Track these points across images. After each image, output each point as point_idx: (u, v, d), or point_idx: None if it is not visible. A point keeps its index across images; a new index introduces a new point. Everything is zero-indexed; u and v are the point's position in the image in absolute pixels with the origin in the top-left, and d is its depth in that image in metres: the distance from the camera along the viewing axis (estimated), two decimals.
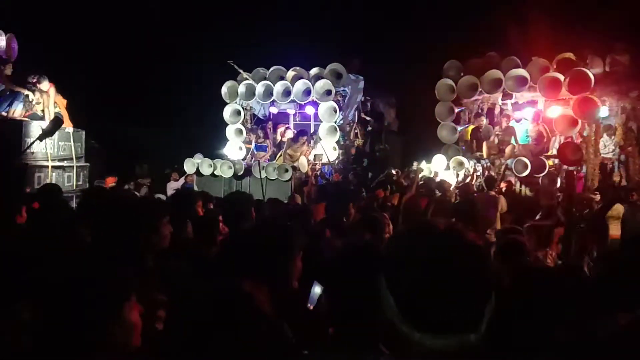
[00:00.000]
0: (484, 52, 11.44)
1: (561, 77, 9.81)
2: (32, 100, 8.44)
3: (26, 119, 8.18)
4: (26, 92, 8.35)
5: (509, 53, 10.76)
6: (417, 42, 13.84)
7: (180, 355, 1.50)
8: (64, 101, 8.99)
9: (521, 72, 10.38)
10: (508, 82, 10.52)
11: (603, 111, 10.31)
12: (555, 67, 10.15)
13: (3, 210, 3.16)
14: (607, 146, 10.78)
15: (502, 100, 11.49)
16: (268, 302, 1.72)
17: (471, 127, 11.87)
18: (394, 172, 10.93)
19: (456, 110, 11.59)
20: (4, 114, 8.16)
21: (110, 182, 9.37)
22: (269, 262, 1.92)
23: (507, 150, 10.63)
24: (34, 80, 8.40)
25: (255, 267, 1.89)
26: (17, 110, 8.27)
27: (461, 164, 10.71)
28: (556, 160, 10.08)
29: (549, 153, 10.47)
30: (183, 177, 11.36)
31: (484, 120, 11.52)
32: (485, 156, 10.86)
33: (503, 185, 9.22)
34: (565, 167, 9.82)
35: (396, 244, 1.11)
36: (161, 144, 14.70)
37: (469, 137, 11.85)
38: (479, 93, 11.18)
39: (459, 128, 11.67)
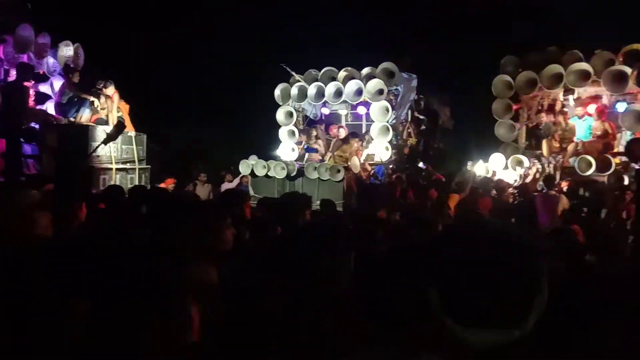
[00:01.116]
0: (543, 46, 11.00)
1: (628, 70, 9.29)
2: (97, 106, 8.91)
3: (92, 124, 8.64)
4: (92, 98, 8.82)
5: (570, 47, 10.29)
6: (472, 38, 13.50)
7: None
8: (127, 106, 9.43)
9: (584, 66, 9.91)
10: (569, 77, 10.06)
11: None
12: (621, 59, 9.61)
13: (69, 209, 3.34)
14: None
15: (563, 96, 11.00)
16: (318, 302, 1.74)
17: (531, 124, 11.43)
18: (422, 165, 10.70)
19: (514, 107, 11.20)
20: (72, 119, 8.66)
21: (170, 183, 9.72)
22: (318, 262, 1.92)
23: (570, 148, 10.15)
24: (101, 86, 8.86)
25: (304, 267, 1.89)
26: (84, 116, 8.75)
27: (520, 162, 10.33)
28: (623, 158, 9.52)
29: (615, 150, 9.91)
30: (238, 178, 11.61)
31: (544, 117, 11.05)
32: (545, 154, 10.42)
33: (564, 184, 8.82)
34: (633, 165, 9.25)
35: (444, 239, 1.11)
36: (217, 146, 15.12)
37: (529, 135, 11.41)
38: (538, 89, 10.76)
39: (518, 125, 11.27)
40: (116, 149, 8.52)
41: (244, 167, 11.20)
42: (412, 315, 1.40)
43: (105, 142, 7.79)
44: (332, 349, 1.56)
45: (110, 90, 8.92)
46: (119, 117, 8.87)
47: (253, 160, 11.25)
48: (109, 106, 8.91)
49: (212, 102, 15.60)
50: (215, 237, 2.38)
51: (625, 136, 10.06)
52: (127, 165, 8.80)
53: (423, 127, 12.73)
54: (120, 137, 8.23)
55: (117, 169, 8.47)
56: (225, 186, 11.53)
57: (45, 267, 1.56)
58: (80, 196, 3.64)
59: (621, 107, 10.10)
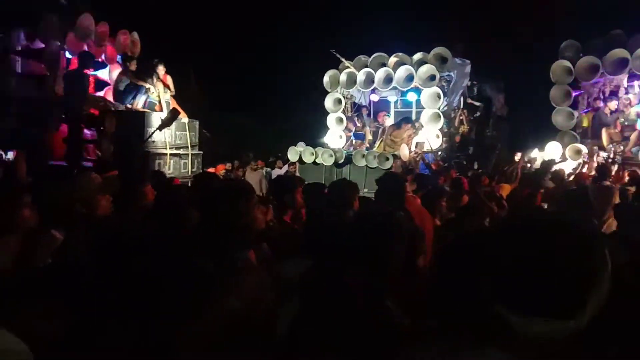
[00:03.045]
0: (606, 30, 10.42)
1: None
2: (153, 92, 9.18)
3: (148, 110, 8.93)
4: (148, 85, 9.10)
5: (636, 30, 9.70)
6: (529, 22, 12.95)
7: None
8: (168, 93, 9.61)
9: None
10: (636, 62, 9.51)
11: None
12: None
13: (133, 193, 3.47)
14: None
15: (628, 82, 10.40)
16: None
17: (591, 112, 10.89)
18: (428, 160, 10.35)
19: (573, 93, 10.70)
20: (128, 106, 8.97)
21: (221, 169, 9.93)
22: (379, 249, 1.92)
23: (633, 137, 9.62)
24: (155, 63, 9.12)
25: (367, 254, 1.89)
26: (140, 102, 9.05)
27: (579, 152, 9.88)
28: None
29: None
30: (286, 165, 11.72)
31: (609, 105, 10.48)
32: (605, 144, 9.91)
33: (626, 176, 8.35)
34: None
35: (501, 230, 1.13)
36: (266, 133, 15.30)
37: (588, 123, 10.89)
38: (600, 75, 10.22)
39: (577, 113, 10.76)
40: (170, 135, 8.76)
41: (292, 154, 11.28)
42: (473, 308, 1.37)
43: (160, 127, 8.02)
44: (394, 342, 1.56)
45: (161, 70, 9.14)
46: (167, 100, 9.10)
47: (301, 147, 11.31)
48: (160, 90, 9.16)
49: (264, 89, 15.77)
50: (246, 219, 2.39)
51: None
52: (181, 151, 9.04)
53: (476, 114, 12.37)
54: (174, 124, 8.46)
55: (171, 154, 8.72)
56: (276, 172, 11.67)
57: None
58: (142, 180, 3.77)
59: None
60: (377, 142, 11.39)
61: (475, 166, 11.01)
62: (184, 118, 9.06)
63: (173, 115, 8.08)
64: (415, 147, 10.71)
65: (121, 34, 10.02)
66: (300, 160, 11.18)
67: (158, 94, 9.14)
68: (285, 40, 15.34)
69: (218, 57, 15.08)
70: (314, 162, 10.94)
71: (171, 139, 8.77)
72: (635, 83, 10.33)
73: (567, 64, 10.45)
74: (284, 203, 3.76)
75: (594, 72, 10.19)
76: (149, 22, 11.79)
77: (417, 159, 10.16)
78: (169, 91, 9.38)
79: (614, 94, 10.73)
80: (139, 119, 8.41)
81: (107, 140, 8.00)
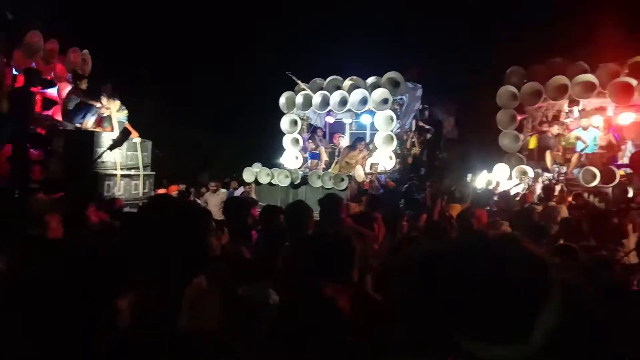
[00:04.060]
0: (548, 58, 11.03)
1: (634, 82, 9.31)
2: (103, 112, 8.96)
3: (98, 130, 8.70)
4: (98, 104, 8.89)
5: (575, 58, 10.32)
6: (477, 49, 13.53)
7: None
8: (125, 112, 9.43)
9: (589, 77, 9.94)
10: (575, 89, 10.08)
11: None
12: (626, 71, 9.62)
13: (77, 213, 3.37)
14: None
15: (568, 107, 11.00)
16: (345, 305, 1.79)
17: (535, 135, 11.42)
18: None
19: (519, 117, 11.21)
20: (78, 125, 8.72)
21: (174, 190, 9.75)
22: (338, 268, 1.96)
23: (573, 159, 10.15)
24: (107, 82, 8.95)
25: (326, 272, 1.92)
26: (90, 122, 8.81)
27: (525, 173, 10.32)
28: (628, 170, 9.50)
29: (620, 162, 9.89)
30: (242, 186, 11.63)
31: (551, 129, 11.04)
32: (548, 165, 10.41)
33: (568, 197, 8.77)
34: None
35: (448, 253, 1.10)
36: (221, 154, 15.17)
37: (533, 145, 11.41)
38: (543, 100, 10.77)
39: (522, 136, 11.27)
40: (121, 155, 8.56)
41: (248, 175, 11.23)
42: (429, 331, 1.41)
43: (111, 148, 7.83)
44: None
45: (108, 91, 8.98)
46: (120, 120, 8.92)
47: (257, 168, 11.28)
48: (112, 107, 8.97)
49: (217, 110, 15.67)
50: (201, 245, 2.37)
51: (629, 147, 10.05)
52: (132, 172, 8.84)
53: (427, 136, 12.74)
54: (125, 144, 8.28)
55: (121, 175, 8.51)
56: (231, 194, 11.54)
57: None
58: (89, 200, 3.67)
59: (626, 118, 10.09)
60: (333, 164, 11.52)
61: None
62: (135, 138, 8.88)
63: (124, 135, 7.91)
64: (370, 168, 10.89)
65: (72, 51, 9.79)
66: (256, 181, 11.14)
67: (110, 113, 8.94)
68: (242, 60, 15.38)
69: (173, 77, 14.93)
70: (270, 183, 10.93)
71: (122, 159, 8.57)
72: (575, 108, 10.93)
73: (513, 89, 10.97)
74: (238, 225, 3.73)
75: (538, 97, 10.73)
76: (101, 39, 11.56)
77: (373, 179, 10.34)
78: (124, 111, 9.20)
79: (556, 118, 11.32)
80: (88, 139, 8.20)
81: (55, 160, 7.73)
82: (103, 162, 8.14)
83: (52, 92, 9.72)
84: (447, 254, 1.09)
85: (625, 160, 9.86)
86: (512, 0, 13.79)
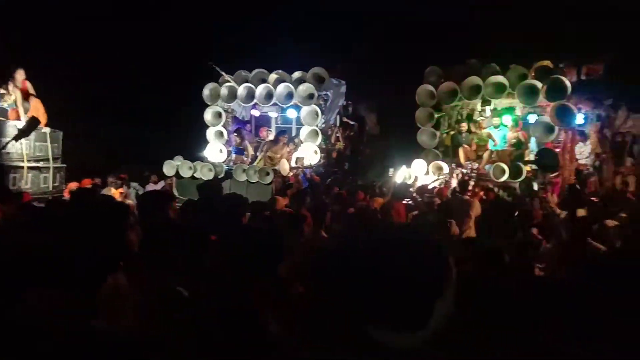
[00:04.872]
0: (464, 58, 11.60)
1: (539, 84, 10.01)
2: (7, 99, 8.27)
3: (2, 118, 8.03)
4: (2, 90, 8.19)
5: (489, 60, 10.93)
6: (399, 48, 13.97)
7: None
8: (38, 101, 8.80)
9: (500, 79, 10.56)
10: (487, 89, 10.68)
11: (579, 118, 10.55)
12: (533, 74, 10.34)
13: None
14: (583, 152, 11.01)
15: (481, 106, 11.66)
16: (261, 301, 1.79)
17: (451, 132, 12.01)
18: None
19: (436, 115, 11.72)
20: None
21: (87, 183, 9.21)
22: (259, 264, 1.95)
23: (485, 155, 10.79)
24: (12, 68, 8.23)
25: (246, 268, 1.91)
26: None
27: (440, 168, 10.82)
28: (534, 166, 10.26)
29: (527, 159, 10.65)
30: (162, 181, 11.24)
31: (464, 126, 11.66)
32: (462, 161, 11.00)
33: (480, 192, 9.31)
34: (542, 172, 10.04)
35: (353, 245, 1.13)
36: (140, 146, 14.53)
37: (449, 142, 11.98)
38: (458, 99, 11.33)
39: (439, 133, 11.80)
40: (28, 146, 7.97)
41: (169, 168, 10.88)
42: (335, 317, 1.44)
43: (17, 138, 7.27)
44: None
45: (20, 74, 8.27)
46: (27, 108, 8.26)
47: (178, 161, 10.95)
48: (17, 96, 8.28)
49: (137, 100, 14.97)
50: (121, 240, 2.30)
51: (533, 145, 10.85)
52: (41, 164, 8.26)
53: (351, 132, 13.00)
54: (33, 134, 7.72)
55: (28, 168, 7.92)
56: (150, 187, 11.12)
57: None
58: None
59: (532, 118, 10.88)
60: (258, 158, 11.44)
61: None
62: (44, 128, 8.30)
63: (31, 125, 7.38)
64: (296, 162, 10.94)
65: None
66: (177, 175, 10.81)
67: (14, 100, 8.26)
68: (164, 49, 14.80)
69: (90, 64, 14.04)
70: (192, 177, 10.65)
71: (29, 151, 7.98)
72: (487, 108, 11.61)
73: (431, 87, 11.44)
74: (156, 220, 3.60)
75: (454, 96, 11.27)
76: (6, 24, 10.66)
77: (298, 173, 10.39)
78: (34, 99, 8.52)
79: (470, 116, 11.96)
80: None
81: None
82: (8, 153, 7.53)
83: None
84: (355, 248, 1.11)
85: (531, 157, 10.63)
86: (432, 2, 14.37)
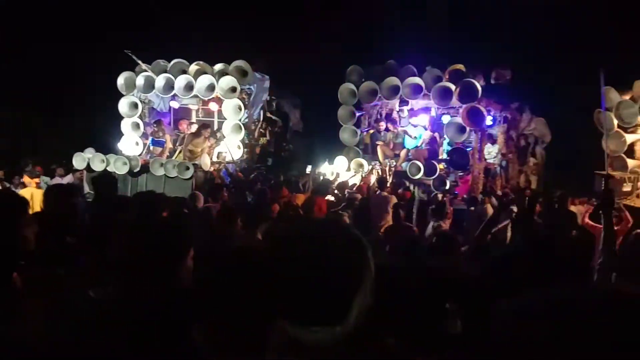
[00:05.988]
0: (384, 59, 11.95)
1: (452, 86, 10.52)
2: None
3: None
4: None
5: (407, 62, 11.33)
6: (323, 46, 14.13)
7: None
8: None
9: (417, 80, 10.97)
10: (405, 90, 11.06)
11: (488, 120, 11.24)
12: (447, 77, 10.86)
13: None
14: (491, 152, 11.75)
15: (399, 106, 12.07)
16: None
17: (371, 130, 12.34)
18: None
19: (357, 114, 11.98)
20: None
21: None
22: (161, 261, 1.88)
23: (402, 154, 11.23)
24: None
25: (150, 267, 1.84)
26: None
27: (361, 165, 11.09)
28: (445, 164, 10.82)
29: (440, 157, 11.19)
30: (71, 174, 10.56)
31: (383, 125, 12.03)
32: (380, 159, 11.36)
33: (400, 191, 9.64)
34: (453, 170, 10.63)
35: (272, 241, 1.12)
36: (48, 136, 13.58)
37: (368, 140, 12.31)
38: (378, 98, 11.65)
39: (359, 131, 12.08)
40: None
41: (79, 161, 10.26)
42: (260, 316, 1.43)
43: None
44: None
45: None
46: None
47: (89, 153, 10.35)
48: None
49: (43, 88, 13.95)
50: (15, 237, 2.14)
51: (446, 145, 11.44)
52: None
53: (275, 128, 12.96)
54: None
55: None
56: (56, 181, 10.42)
57: None
58: None
59: (445, 119, 11.44)
60: (177, 151, 11.07)
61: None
62: None
63: None
64: (217, 157, 10.72)
65: None
66: (88, 168, 10.22)
67: None
68: (75, 34, 13.89)
69: None
70: (105, 171, 10.10)
71: None
72: (405, 108, 12.04)
73: (352, 86, 11.67)
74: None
75: (374, 95, 11.57)
76: None
77: (220, 168, 10.20)
78: None
79: (389, 116, 12.35)
80: None
81: None
82: None
83: None
84: (273, 243, 1.09)
85: (445, 156, 11.20)
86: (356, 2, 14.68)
